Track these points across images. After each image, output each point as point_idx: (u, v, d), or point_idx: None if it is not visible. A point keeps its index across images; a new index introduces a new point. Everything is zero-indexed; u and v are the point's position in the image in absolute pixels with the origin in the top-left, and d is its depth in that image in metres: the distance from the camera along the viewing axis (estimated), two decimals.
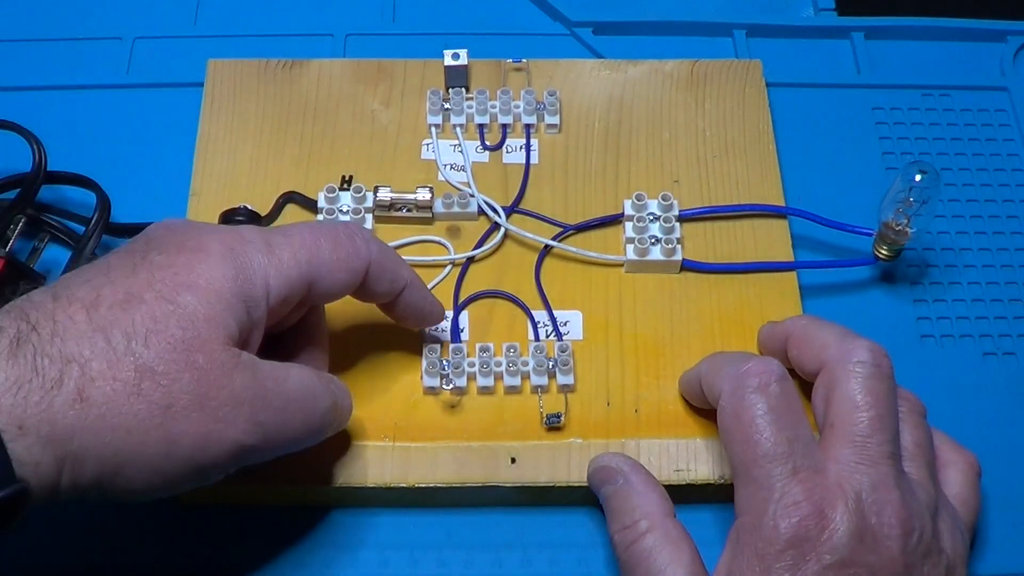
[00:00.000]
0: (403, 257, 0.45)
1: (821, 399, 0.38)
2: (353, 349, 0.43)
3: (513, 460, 0.41)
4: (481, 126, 0.50)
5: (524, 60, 0.52)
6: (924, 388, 0.41)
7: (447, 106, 0.50)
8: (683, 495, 0.40)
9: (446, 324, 0.44)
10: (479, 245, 0.46)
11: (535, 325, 0.44)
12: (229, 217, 0.45)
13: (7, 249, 0.44)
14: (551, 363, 0.43)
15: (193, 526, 0.41)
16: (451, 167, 0.48)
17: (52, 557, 0.40)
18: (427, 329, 0.44)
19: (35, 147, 0.45)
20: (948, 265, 0.49)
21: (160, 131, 0.50)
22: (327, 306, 0.42)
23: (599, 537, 0.41)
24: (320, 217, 0.45)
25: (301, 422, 0.36)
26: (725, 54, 0.55)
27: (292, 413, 0.36)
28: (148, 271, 0.34)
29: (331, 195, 0.46)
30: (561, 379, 0.43)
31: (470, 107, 0.50)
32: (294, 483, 0.40)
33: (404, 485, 0.41)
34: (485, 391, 0.43)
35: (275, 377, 0.35)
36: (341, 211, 0.45)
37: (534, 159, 0.49)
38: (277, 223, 0.46)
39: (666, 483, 0.40)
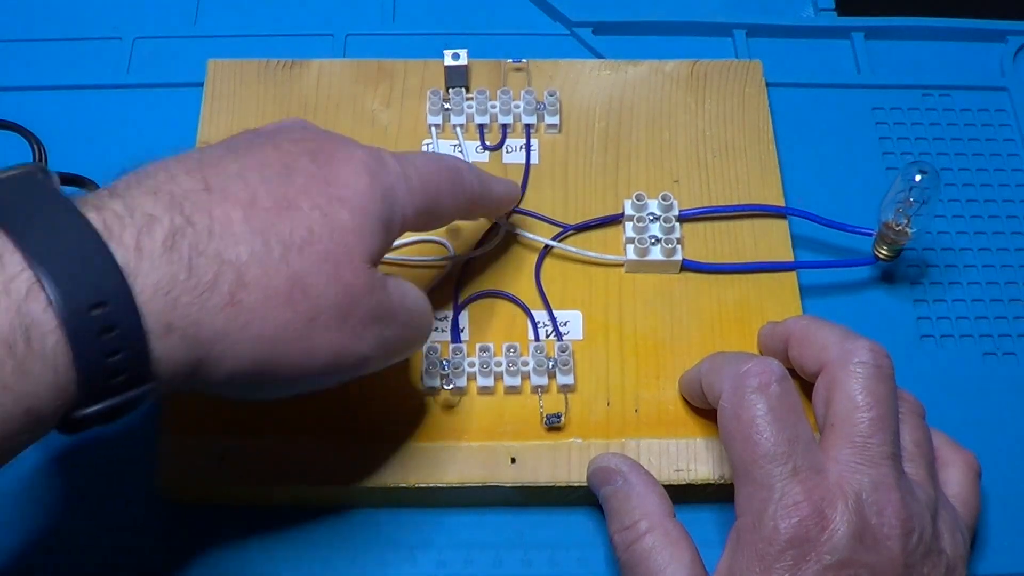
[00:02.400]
0: (400, 257, 0.45)
1: (821, 399, 0.38)
2: None
3: (513, 460, 0.41)
4: (481, 126, 0.50)
5: (524, 60, 0.52)
6: (924, 388, 0.41)
7: (447, 106, 0.50)
8: (683, 495, 0.40)
9: (447, 324, 0.44)
10: (479, 245, 0.46)
11: (535, 325, 0.44)
12: None
13: None
14: (551, 363, 0.43)
15: (193, 526, 0.41)
16: None
17: (50, 556, 0.40)
18: None
19: (35, 147, 0.45)
20: (948, 265, 0.49)
21: (160, 131, 0.50)
22: None
23: (599, 537, 0.41)
24: None
25: (414, 337, 0.37)
26: (725, 54, 0.55)
27: (410, 329, 0.36)
28: (304, 178, 0.33)
29: None
30: (561, 379, 0.43)
31: (470, 107, 0.50)
32: (294, 483, 0.40)
33: (404, 485, 0.41)
34: (485, 391, 0.43)
35: (399, 295, 0.36)
36: None
37: (534, 159, 0.49)
38: None
39: (666, 483, 0.40)
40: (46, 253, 0.28)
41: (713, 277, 0.46)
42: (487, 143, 0.49)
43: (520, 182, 0.48)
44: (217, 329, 0.31)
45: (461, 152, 0.49)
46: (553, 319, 0.45)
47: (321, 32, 0.55)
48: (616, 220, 0.47)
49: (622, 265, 0.46)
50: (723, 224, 0.48)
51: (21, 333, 0.28)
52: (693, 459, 0.42)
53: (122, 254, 0.29)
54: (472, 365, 0.43)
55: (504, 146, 0.49)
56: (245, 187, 0.32)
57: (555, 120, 0.50)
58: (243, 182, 0.33)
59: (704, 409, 0.42)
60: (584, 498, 0.41)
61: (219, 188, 0.32)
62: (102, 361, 0.29)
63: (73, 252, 0.29)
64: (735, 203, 0.48)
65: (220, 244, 0.31)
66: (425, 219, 0.38)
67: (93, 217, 0.30)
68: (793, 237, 0.48)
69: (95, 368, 0.29)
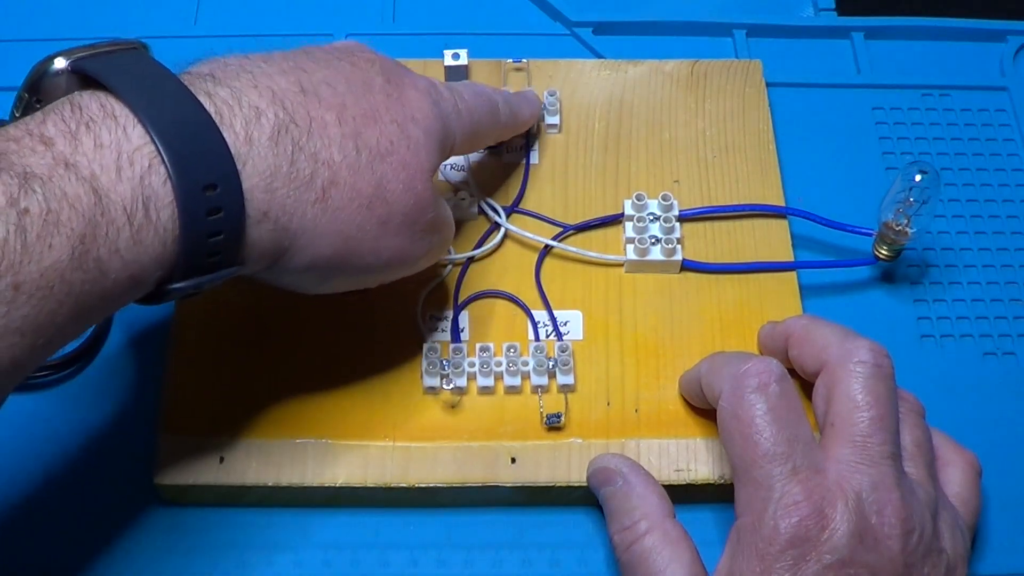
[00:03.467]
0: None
1: (822, 399, 0.38)
2: (353, 349, 0.43)
3: (513, 460, 0.41)
4: None
5: (524, 60, 0.52)
6: (924, 388, 0.41)
7: None
8: (683, 495, 0.40)
9: (447, 324, 0.44)
10: (479, 245, 0.46)
11: (535, 325, 0.44)
12: None
13: None
14: (551, 363, 0.43)
15: (193, 526, 0.41)
16: (451, 167, 0.48)
17: (49, 556, 0.40)
18: (427, 329, 0.44)
19: None
20: (948, 265, 0.49)
21: None
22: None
23: (599, 537, 0.41)
24: None
25: (446, 246, 0.41)
26: (725, 54, 0.55)
27: (448, 238, 0.40)
28: (382, 95, 0.36)
29: None
30: (561, 379, 0.43)
31: None
32: (293, 483, 0.40)
33: (404, 485, 0.41)
34: (485, 391, 0.43)
35: (445, 209, 0.40)
36: None
37: (534, 159, 0.49)
38: None
39: (666, 483, 0.40)
40: (167, 130, 0.30)
41: (713, 277, 0.46)
42: None
43: (520, 182, 0.48)
44: (306, 222, 0.33)
45: None
46: (553, 319, 0.44)
47: (321, 32, 0.55)
48: (616, 220, 0.47)
49: (622, 265, 0.46)
50: (723, 224, 0.48)
51: (141, 203, 0.30)
52: (693, 459, 0.42)
53: (233, 141, 0.31)
54: (472, 365, 0.43)
55: (504, 146, 0.49)
56: (334, 94, 0.35)
57: (555, 120, 0.50)
58: (332, 89, 0.35)
59: (704, 409, 0.42)
60: (584, 498, 0.41)
61: (312, 91, 0.34)
62: (205, 240, 0.31)
63: (191, 133, 0.30)
64: (735, 203, 0.48)
65: (318, 144, 0.34)
66: (469, 144, 0.42)
67: (205, 102, 0.32)
68: (793, 237, 0.48)
69: (198, 246, 0.31)
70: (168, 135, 0.30)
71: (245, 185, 0.32)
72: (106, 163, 0.29)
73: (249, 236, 0.32)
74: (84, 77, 0.32)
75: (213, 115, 0.31)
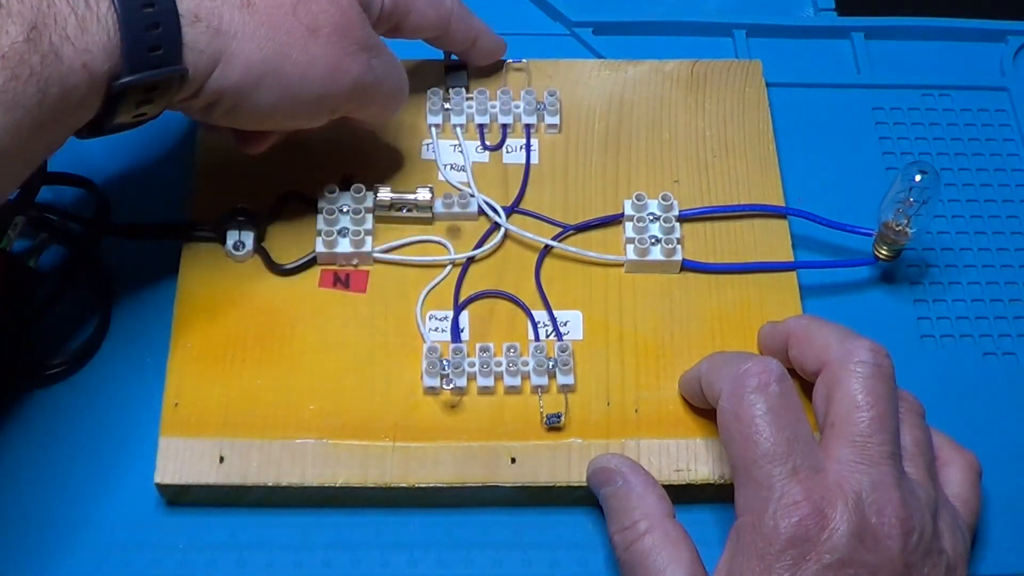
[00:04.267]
0: (400, 257, 0.45)
1: (822, 399, 0.38)
2: (353, 349, 0.43)
3: (513, 460, 0.41)
4: (481, 126, 0.50)
5: (524, 60, 0.51)
6: (924, 388, 0.41)
7: (447, 106, 0.50)
8: (683, 495, 0.40)
9: (447, 324, 0.44)
10: (479, 245, 0.46)
11: (535, 325, 0.44)
12: (229, 217, 0.45)
13: (7, 249, 0.44)
14: (551, 363, 0.43)
15: (193, 527, 0.41)
16: (451, 167, 0.48)
17: (49, 556, 0.40)
18: (427, 329, 0.44)
19: None
20: (948, 265, 0.49)
21: (160, 131, 0.50)
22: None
23: (599, 537, 0.41)
24: (320, 216, 0.45)
25: (398, 80, 0.43)
26: (725, 54, 0.55)
27: (394, 69, 0.42)
28: None
29: (331, 195, 0.46)
30: (561, 379, 0.43)
31: (470, 107, 0.50)
32: (293, 483, 0.40)
33: (404, 485, 0.41)
34: (485, 391, 0.43)
35: (385, 50, 0.42)
36: (341, 211, 0.45)
37: (534, 159, 0.49)
38: (277, 223, 0.46)
39: (666, 483, 0.40)
40: None
41: (713, 277, 0.46)
42: (487, 143, 0.49)
43: (520, 182, 0.48)
44: (235, 24, 0.37)
45: (461, 152, 0.49)
46: (553, 319, 0.44)
47: None
48: (616, 220, 0.47)
49: (622, 265, 0.46)
50: (723, 224, 0.48)
51: None
52: (693, 459, 0.42)
53: None
54: (472, 365, 0.43)
55: (504, 146, 0.49)
56: None
57: (555, 120, 0.50)
58: None
59: (704, 409, 0.42)
60: (584, 498, 0.41)
61: None
62: (144, 33, 0.34)
63: None
64: (735, 203, 0.48)
65: None
66: (402, 13, 0.44)
67: None
68: (793, 237, 0.47)
69: (138, 36, 0.34)
70: None
71: None
72: None
73: (185, 36, 0.35)
74: None
75: None
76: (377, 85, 0.42)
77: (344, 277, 0.45)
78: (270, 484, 0.40)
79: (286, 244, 0.45)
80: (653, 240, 0.46)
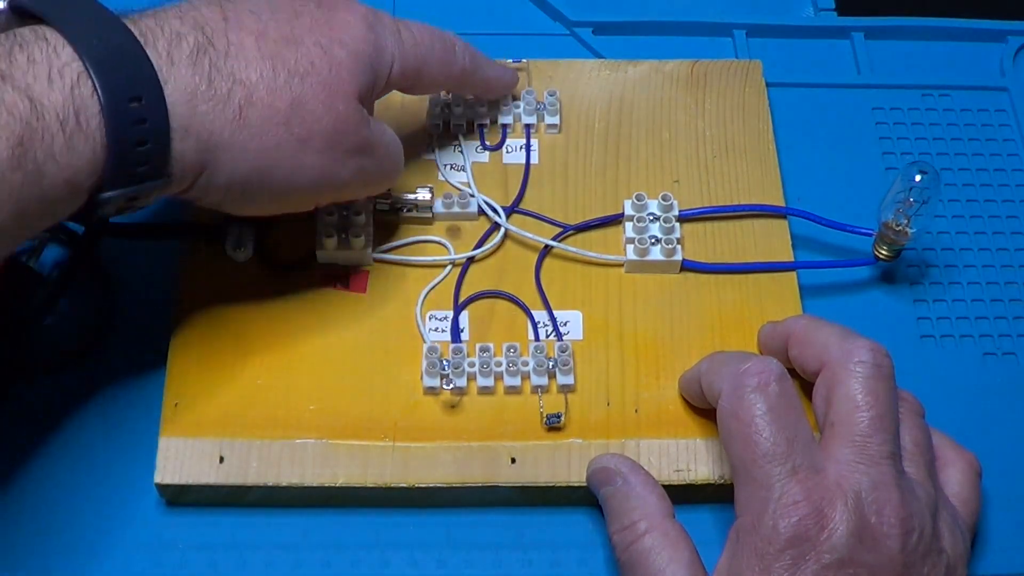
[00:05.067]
0: (400, 257, 0.45)
1: (822, 399, 0.38)
2: (353, 349, 0.43)
3: (513, 460, 0.41)
4: (481, 126, 0.50)
5: (524, 60, 0.51)
6: (924, 388, 0.41)
7: (447, 106, 0.50)
8: (683, 495, 0.40)
9: (447, 324, 0.44)
10: (479, 245, 0.46)
11: (535, 325, 0.44)
12: (228, 217, 0.45)
13: None
14: (551, 363, 0.43)
15: (193, 526, 0.41)
16: (451, 167, 0.48)
17: (49, 556, 0.40)
18: (427, 329, 0.44)
19: None
20: (948, 265, 0.49)
21: None
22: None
23: (599, 537, 0.41)
24: (320, 216, 0.45)
25: (388, 172, 0.42)
26: (725, 54, 0.55)
27: (385, 163, 0.41)
28: (309, 19, 0.38)
29: None
30: (561, 379, 0.43)
31: (470, 107, 0.49)
32: (293, 483, 0.40)
33: (404, 485, 0.41)
34: (485, 391, 0.43)
35: (379, 132, 0.41)
36: (341, 211, 0.45)
37: (534, 159, 0.49)
38: (277, 223, 0.46)
39: (666, 483, 0.40)
40: (93, 48, 0.33)
41: (713, 277, 0.46)
42: (487, 143, 0.49)
43: (520, 182, 0.48)
44: (225, 138, 0.35)
45: (461, 152, 0.49)
46: (553, 319, 0.44)
47: None
48: (616, 220, 0.47)
49: (622, 265, 0.46)
50: (723, 224, 0.48)
51: (72, 111, 0.32)
52: (693, 459, 0.42)
53: (156, 59, 0.34)
54: (472, 365, 0.43)
55: (504, 146, 0.49)
56: (257, 21, 0.37)
57: (555, 120, 0.50)
58: (256, 17, 0.37)
59: (704, 409, 0.42)
60: (584, 498, 0.41)
61: (235, 19, 0.37)
62: (132, 148, 0.33)
63: (116, 51, 0.33)
64: (735, 203, 0.48)
65: (235, 64, 0.36)
66: (413, 79, 0.42)
67: (131, 27, 0.34)
68: (793, 237, 0.47)
69: (125, 153, 0.33)
70: (94, 52, 0.33)
71: (168, 100, 0.34)
72: (39, 75, 0.32)
73: (174, 149, 0.34)
74: (23, 15, 0.35)
75: (138, 36, 0.34)
76: (367, 182, 0.41)
77: (344, 277, 0.45)
78: (270, 484, 0.40)
79: (286, 244, 0.45)
80: (653, 240, 0.46)
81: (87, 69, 0.33)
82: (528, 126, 0.50)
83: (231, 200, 0.38)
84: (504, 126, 0.50)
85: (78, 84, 0.32)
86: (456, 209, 0.47)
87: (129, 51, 0.34)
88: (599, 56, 0.54)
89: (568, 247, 0.46)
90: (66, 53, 0.33)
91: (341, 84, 0.38)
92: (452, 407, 0.42)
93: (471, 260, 0.46)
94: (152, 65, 0.34)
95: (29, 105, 0.31)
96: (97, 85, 0.33)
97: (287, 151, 0.37)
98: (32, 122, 0.31)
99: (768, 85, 0.52)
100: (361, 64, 0.39)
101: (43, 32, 0.33)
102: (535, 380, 0.43)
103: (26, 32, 0.33)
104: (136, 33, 0.34)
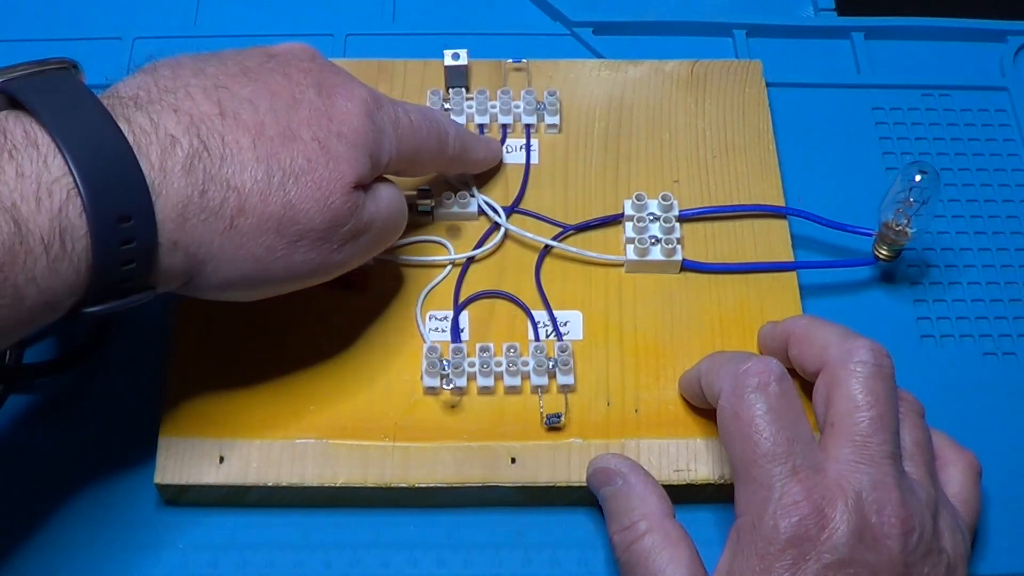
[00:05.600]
0: (399, 257, 0.45)
1: (822, 399, 0.38)
2: (353, 349, 0.43)
3: (513, 460, 0.41)
4: (481, 126, 0.50)
5: (524, 60, 0.51)
6: (924, 388, 0.41)
7: (447, 106, 0.50)
8: (683, 495, 0.40)
9: (447, 324, 0.44)
10: (479, 245, 0.46)
11: (535, 325, 0.44)
12: None
13: None
14: (551, 363, 0.43)
15: (193, 526, 0.41)
16: None
17: (50, 556, 0.40)
18: (427, 329, 0.44)
19: None
20: (948, 265, 0.49)
21: None
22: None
23: (599, 537, 0.41)
24: None
25: (388, 235, 0.41)
26: (725, 54, 0.55)
27: (384, 232, 0.40)
28: (308, 110, 0.37)
29: None
30: (561, 379, 0.43)
31: (470, 107, 0.50)
32: (293, 483, 0.40)
33: (404, 485, 0.41)
34: (485, 391, 0.43)
35: (374, 208, 0.39)
36: None
37: (534, 159, 0.49)
38: None
39: (666, 483, 0.40)
40: (85, 162, 0.31)
41: (713, 277, 0.46)
42: None
43: (520, 182, 0.48)
44: (214, 249, 0.34)
45: None
46: (553, 319, 0.44)
47: (321, 32, 0.55)
48: (616, 220, 0.47)
49: (622, 265, 0.46)
50: (723, 224, 0.48)
51: (58, 234, 0.31)
52: (693, 459, 0.42)
53: (148, 171, 0.32)
54: (472, 365, 0.43)
55: (504, 146, 0.49)
56: (255, 114, 0.35)
57: (555, 120, 0.50)
58: (253, 109, 0.35)
59: (704, 409, 0.42)
60: (584, 498, 0.41)
61: (232, 113, 0.35)
62: (118, 268, 0.32)
63: (108, 164, 0.31)
64: (735, 203, 0.48)
65: (229, 170, 0.34)
66: (408, 165, 0.41)
67: (124, 128, 0.32)
68: (793, 237, 0.47)
69: (111, 274, 0.32)
70: (86, 167, 0.31)
71: (158, 216, 0.32)
72: (26, 193, 0.30)
73: (161, 263, 0.33)
74: (11, 97, 0.33)
75: (132, 144, 0.32)
76: (366, 256, 0.40)
77: (344, 277, 0.45)
78: (270, 484, 0.40)
79: None
80: (653, 240, 0.46)
81: (77, 186, 0.31)
82: (528, 126, 0.50)
83: (223, 296, 0.37)
84: (504, 126, 0.50)
85: (67, 203, 0.31)
86: (456, 209, 0.47)
87: (122, 163, 0.32)
88: (599, 56, 0.54)
89: (568, 247, 0.46)
90: (56, 165, 0.31)
91: (338, 178, 0.36)
92: (452, 407, 0.42)
93: (471, 260, 0.46)
94: (144, 179, 0.32)
95: (14, 228, 0.30)
96: (87, 205, 0.31)
97: (278, 253, 0.35)
98: (15, 246, 0.30)
99: (768, 85, 0.52)
100: (359, 156, 0.37)
101: (34, 134, 0.31)
102: (535, 380, 0.43)
103: (16, 132, 0.31)
104: (130, 138, 0.32)
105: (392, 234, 0.41)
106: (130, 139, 0.32)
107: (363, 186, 0.38)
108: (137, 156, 0.32)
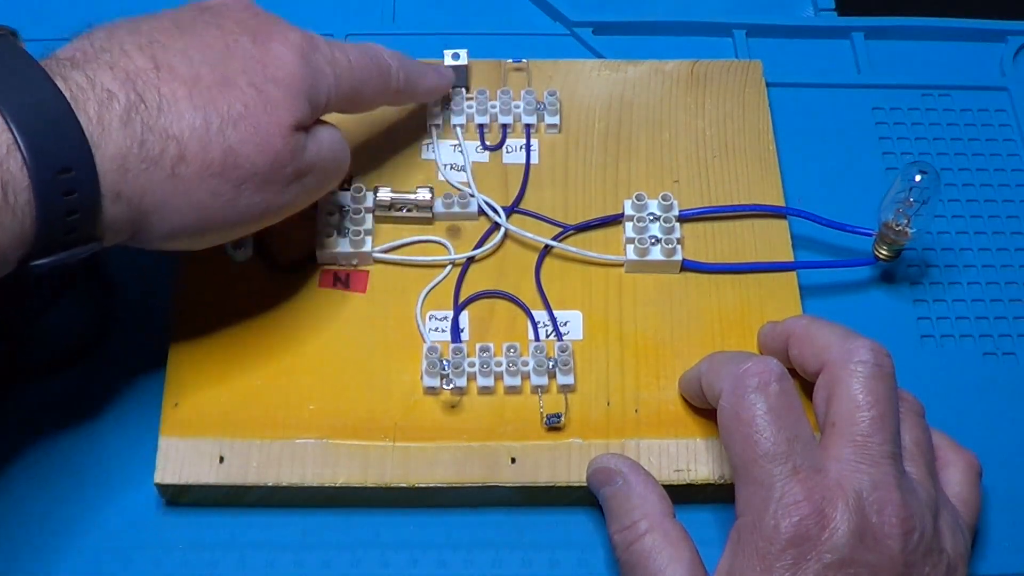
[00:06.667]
0: (400, 257, 0.45)
1: (822, 399, 0.38)
2: (353, 349, 0.43)
3: (513, 460, 0.41)
4: (481, 126, 0.50)
5: (524, 60, 0.51)
6: (924, 388, 0.41)
7: (447, 106, 0.50)
8: (683, 495, 0.40)
9: (447, 324, 0.44)
10: (479, 245, 0.46)
11: (535, 325, 0.44)
12: None
13: None
14: (551, 363, 0.43)
15: (193, 526, 0.41)
16: (451, 167, 0.48)
17: (50, 556, 0.40)
18: (427, 329, 0.44)
19: None
20: (948, 265, 0.49)
21: None
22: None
23: (599, 537, 0.41)
24: (320, 216, 0.45)
25: (331, 177, 0.41)
26: (725, 54, 0.55)
27: (327, 173, 0.40)
28: (242, 59, 0.37)
29: (331, 195, 0.46)
30: (561, 379, 0.43)
31: (470, 107, 0.50)
32: (294, 483, 0.40)
33: (404, 485, 0.41)
34: (485, 391, 0.43)
35: (316, 149, 0.39)
36: (341, 211, 0.45)
37: (534, 159, 0.49)
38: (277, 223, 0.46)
39: (666, 483, 0.40)
40: (24, 118, 0.32)
41: (713, 277, 0.46)
42: (487, 143, 0.49)
43: (520, 181, 0.48)
44: (157, 198, 0.35)
45: (461, 152, 0.49)
46: (553, 319, 0.44)
47: (321, 32, 0.54)
48: (616, 220, 0.47)
49: (622, 265, 0.46)
50: (723, 224, 0.48)
51: (0, 187, 0.31)
52: (693, 459, 0.42)
53: (86, 124, 0.33)
54: (472, 365, 0.43)
55: (504, 146, 0.49)
56: (190, 66, 0.36)
57: (555, 120, 0.50)
58: (188, 61, 0.36)
59: (704, 409, 0.42)
60: (584, 498, 0.41)
61: (166, 66, 0.36)
62: (61, 219, 0.33)
63: (47, 119, 0.32)
64: (735, 203, 0.48)
65: (167, 120, 0.35)
66: (349, 104, 0.42)
67: (62, 86, 0.33)
68: (793, 237, 0.47)
69: (55, 224, 0.33)
70: (25, 123, 0.32)
71: (99, 168, 0.33)
72: None
73: (105, 214, 0.34)
74: None
75: (69, 99, 0.33)
76: (311, 196, 0.40)
77: (344, 277, 0.45)
78: (270, 484, 0.40)
79: (286, 244, 0.45)
80: (653, 240, 0.46)
81: (16, 141, 0.32)
82: (528, 126, 0.50)
83: (172, 246, 0.37)
84: (504, 126, 0.50)
85: (7, 157, 0.31)
86: (456, 209, 0.47)
87: (60, 118, 0.32)
88: (599, 56, 0.54)
89: (568, 247, 0.46)
90: None
91: (277, 121, 0.37)
92: (452, 407, 0.42)
93: (471, 260, 0.46)
94: (83, 132, 0.33)
95: None
96: (27, 158, 0.32)
97: (223, 198, 0.36)
98: None
99: (768, 85, 0.52)
100: (296, 99, 0.38)
101: None
102: (535, 380, 0.43)
103: None
104: (67, 94, 0.33)
105: (336, 174, 0.41)
106: (67, 95, 0.33)
107: (304, 128, 0.39)
108: (75, 110, 0.33)
